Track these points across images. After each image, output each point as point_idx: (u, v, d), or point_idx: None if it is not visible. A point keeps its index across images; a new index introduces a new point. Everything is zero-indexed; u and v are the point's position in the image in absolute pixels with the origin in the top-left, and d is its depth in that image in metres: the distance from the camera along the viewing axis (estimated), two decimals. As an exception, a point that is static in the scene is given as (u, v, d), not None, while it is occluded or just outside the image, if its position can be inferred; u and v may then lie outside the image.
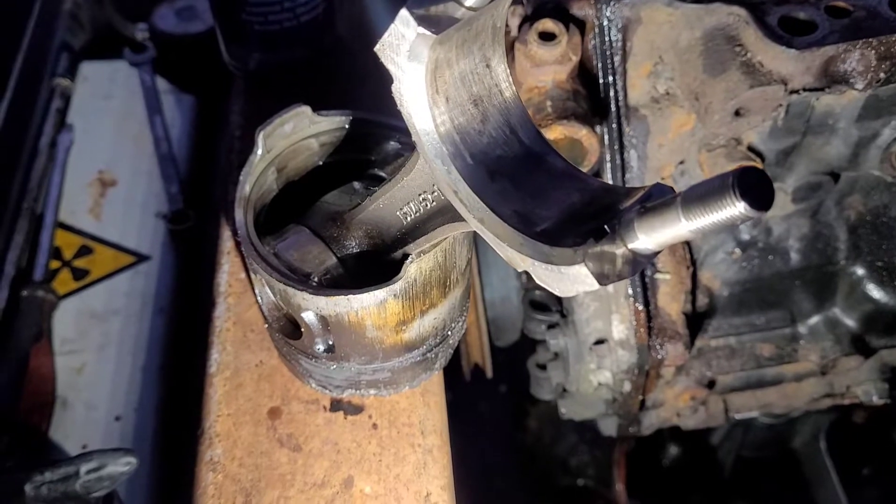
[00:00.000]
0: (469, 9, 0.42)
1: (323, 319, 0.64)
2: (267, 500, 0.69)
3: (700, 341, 1.01)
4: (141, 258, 1.15)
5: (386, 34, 0.43)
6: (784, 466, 1.97)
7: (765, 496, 1.99)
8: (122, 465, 0.74)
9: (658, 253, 0.42)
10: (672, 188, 0.43)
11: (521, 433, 1.94)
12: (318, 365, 0.70)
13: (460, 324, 0.73)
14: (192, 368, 1.07)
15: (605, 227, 0.42)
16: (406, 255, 0.61)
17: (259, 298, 0.70)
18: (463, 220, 0.52)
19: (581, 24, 0.81)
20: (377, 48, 0.44)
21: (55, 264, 1.14)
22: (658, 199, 0.41)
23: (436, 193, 0.56)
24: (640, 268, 0.42)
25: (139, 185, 1.23)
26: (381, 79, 1.03)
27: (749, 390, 1.08)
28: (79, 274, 1.13)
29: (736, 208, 0.37)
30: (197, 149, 1.30)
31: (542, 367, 1.12)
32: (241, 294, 0.82)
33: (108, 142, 1.29)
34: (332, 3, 0.99)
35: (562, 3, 0.82)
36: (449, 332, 0.72)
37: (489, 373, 1.29)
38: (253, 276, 0.69)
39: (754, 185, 0.36)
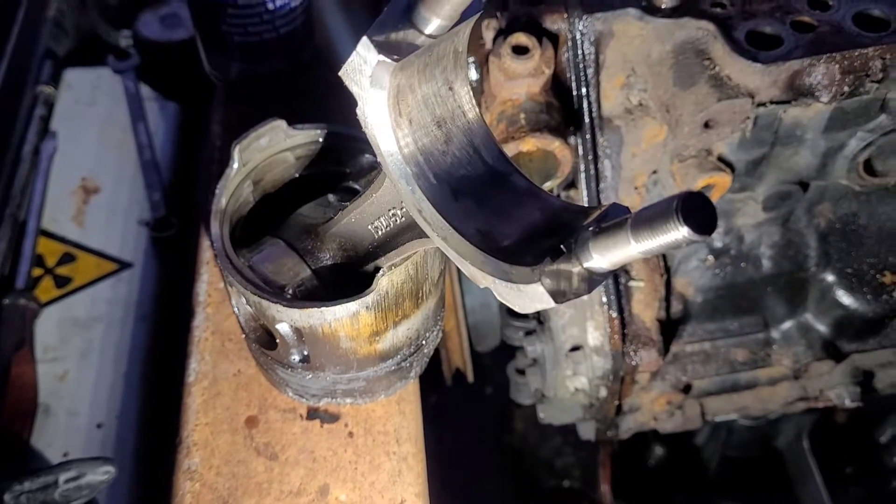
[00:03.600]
0: (429, 36, 0.44)
1: (297, 331, 0.66)
2: (244, 508, 0.70)
3: (675, 346, 1.02)
4: (123, 265, 1.16)
5: (349, 60, 0.44)
6: (768, 466, 2.00)
7: (749, 496, 2.01)
8: (101, 474, 0.75)
9: (612, 272, 0.44)
10: (627, 208, 0.45)
11: (507, 435, 1.96)
12: (293, 374, 0.72)
13: (435, 333, 0.75)
14: (173, 376, 1.09)
15: (562, 246, 0.43)
16: (378, 268, 0.63)
17: (236, 309, 0.71)
18: (426, 237, 0.53)
19: (554, 38, 0.83)
20: (341, 73, 0.45)
21: (38, 272, 1.14)
22: (612, 220, 0.43)
23: (404, 209, 0.58)
24: (596, 285, 0.43)
25: (122, 193, 1.24)
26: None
27: (724, 394, 1.10)
28: (61, 281, 1.14)
29: (679, 232, 0.38)
30: (180, 156, 1.31)
31: (521, 372, 1.13)
32: (219, 304, 0.83)
33: (92, 149, 1.29)
34: (311, 16, 1.01)
35: (535, 17, 0.83)
36: (423, 342, 0.73)
37: (470, 377, 1.31)
38: (229, 287, 0.70)
39: (697, 210, 0.38)
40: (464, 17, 0.43)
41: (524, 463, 2.02)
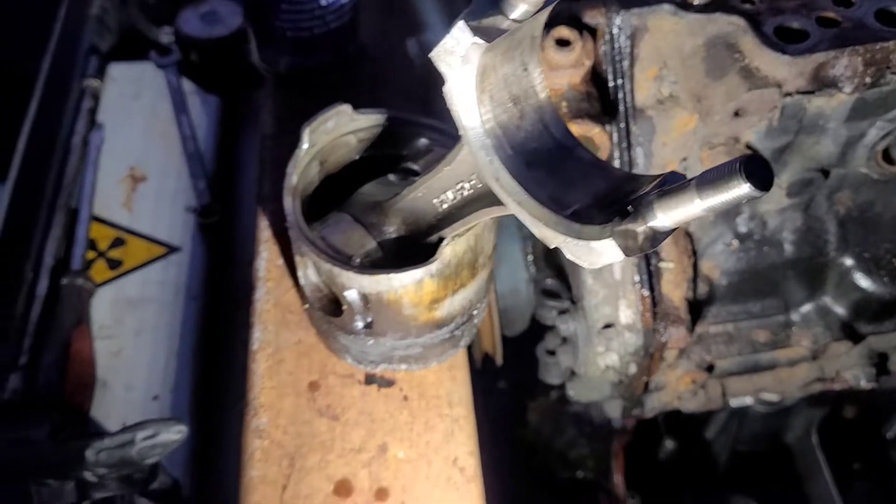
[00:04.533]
0: (514, 21, 0.49)
1: (364, 298, 0.71)
2: (310, 464, 0.76)
3: (700, 327, 1.08)
4: (172, 249, 1.22)
5: (442, 41, 0.50)
6: (778, 460, 2.05)
7: (759, 489, 2.06)
8: (175, 434, 0.80)
9: (673, 230, 0.49)
10: (684, 175, 0.50)
11: (521, 428, 2.00)
12: (355, 341, 0.77)
13: (483, 305, 0.80)
14: (223, 351, 1.15)
15: (629, 208, 0.49)
16: (440, 239, 0.68)
17: (303, 280, 0.77)
18: (497, 205, 0.59)
19: (593, 32, 0.88)
20: (433, 54, 0.51)
21: (91, 255, 1.20)
22: (673, 184, 0.48)
23: (472, 182, 0.63)
24: (658, 243, 0.49)
25: (168, 181, 1.30)
26: (402, 83, 1.11)
27: (745, 375, 1.15)
28: (113, 264, 1.20)
29: (742, 189, 0.44)
30: (222, 147, 1.37)
31: (551, 352, 1.19)
32: (279, 279, 0.89)
33: (138, 140, 1.35)
34: (358, 13, 1.06)
35: (576, 12, 0.89)
36: (474, 312, 0.79)
37: (500, 360, 1.36)
38: (298, 259, 0.76)
39: (757, 169, 0.44)
40: (546, 3, 0.49)
41: (538, 454, 2.06)
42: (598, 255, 0.50)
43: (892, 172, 0.97)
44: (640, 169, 0.97)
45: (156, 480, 0.87)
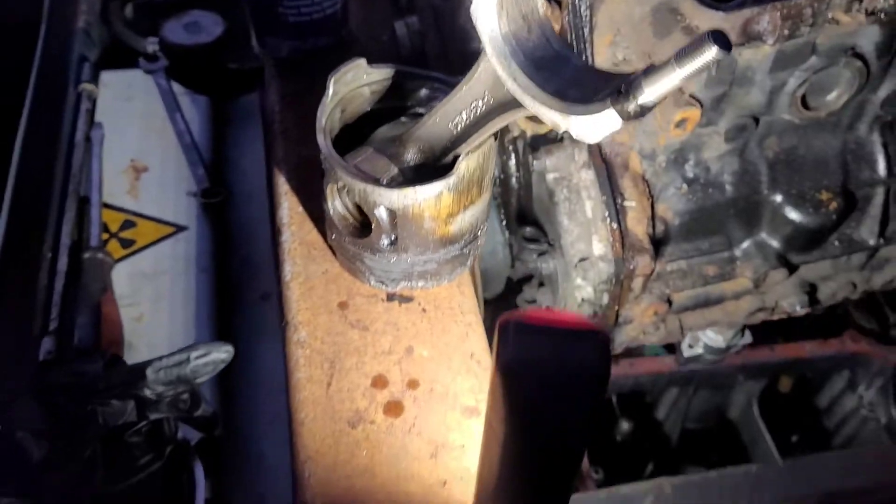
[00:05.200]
0: None
1: (391, 214, 0.84)
2: (348, 365, 0.88)
3: (659, 265, 1.24)
4: (180, 228, 1.33)
5: (472, -30, 0.65)
6: (724, 435, 2.23)
7: (710, 462, 2.23)
8: (223, 353, 0.92)
9: (655, 105, 0.64)
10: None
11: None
12: (379, 260, 0.90)
13: (484, 229, 0.95)
14: (233, 313, 1.26)
15: (620, 89, 0.64)
16: (455, 160, 0.82)
17: (330, 212, 0.90)
18: (508, 112, 0.73)
19: (559, 2, 1.05)
20: None
21: (104, 236, 1.30)
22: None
23: (486, 99, 0.78)
24: (646, 114, 0.64)
25: (168, 170, 1.42)
26: (391, 61, 1.24)
27: (699, 309, 1.32)
28: (126, 243, 1.30)
29: (711, 52, 0.59)
30: (214, 139, 1.49)
31: (531, 301, 1.34)
32: (301, 223, 1.02)
33: (135, 136, 1.47)
34: (347, 1, 1.21)
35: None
36: (479, 233, 0.93)
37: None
38: (328, 191, 0.89)
39: (720, 37, 0.59)
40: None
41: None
42: (602, 126, 0.65)
43: (809, 117, 1.15)
44: (602, 123, 1.13)
45: (198, 409, 0.98)
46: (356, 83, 0.93)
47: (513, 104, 0.74)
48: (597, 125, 0.65)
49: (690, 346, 1.68)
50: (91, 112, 1.47)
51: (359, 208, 0.89)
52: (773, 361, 2.01)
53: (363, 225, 0.89)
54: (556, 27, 1.03)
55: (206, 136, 1.48)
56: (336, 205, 0.89)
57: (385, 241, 0.88)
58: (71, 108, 1.46)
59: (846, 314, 2.10)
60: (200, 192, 1.36)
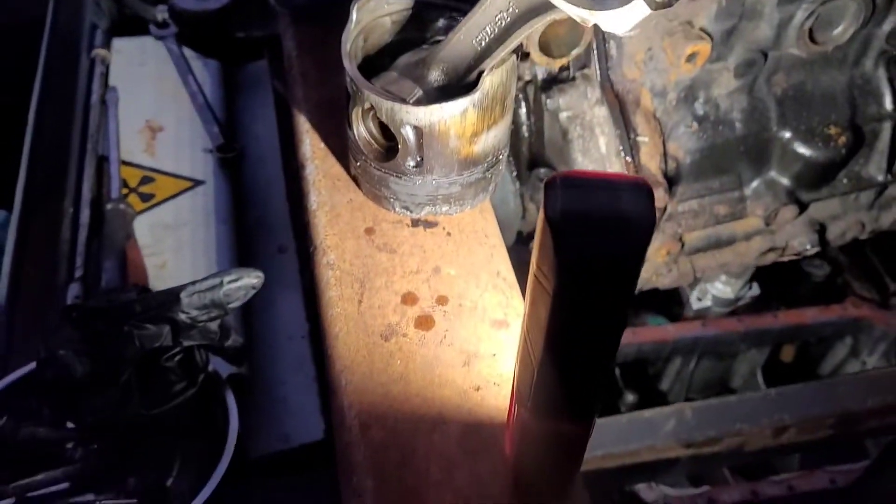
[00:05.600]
0: None
1: (418, 132, 0.86)
2: (377, 285, 0.90)
3: (671, 205, 1.26)
4: (197, 182, 1.35)
5: None
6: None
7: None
8: (254, 278, 0.93)
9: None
10: None
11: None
12: (405, 183, 0.92)
13: (506, 150, 0.96)
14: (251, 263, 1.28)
15: None
16: (478, 78, 0.84)
17: (355, 136, 0.92)
18: (533, 19, 0.76)
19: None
20: None
21: (123, 191, 1.32)
22: None
23: (510, 9, 0.80)
24: (673, 4, 0.66)
25: (184, 129, 1.43)
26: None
27: (710, 251, 1.34)
28: (145, 197, 1.32)
29: None
30: (227, 101, 1.51)
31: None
32: (323, 157, 1.04)
33: (150, 99, 1.48)
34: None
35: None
36: (500, 156, 0.95)
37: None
38: (354, 115, 0.90)
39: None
40: None
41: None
42: (631, 15, 0.67)
43: (817, 51, 1.18)
44: (614, 60, 1.16)
45: (228, 339, 1.00)
46: (378, 12, 0.95)
47: (538, 9, 0.76)
48: (625, 15, 0.67)
49: (699, 299, 1.71)
50: (105, 76, 1.49)
51: (384, 131, 0.91)
52: (775, 328, 2.03)
53: (388, 149, 0.91)
54: None
55: (219, 98, 1.50)
56: (361, 129, 0.91)
57: (411, 163, 0.90)
58: (85, 73, 1.48)
59: (846, 283, 2.12)
60: (216, 148, 1.38)
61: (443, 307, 0.89)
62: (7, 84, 1.70)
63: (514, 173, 1.38)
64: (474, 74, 0.86)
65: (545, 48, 1.08)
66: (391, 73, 0.91)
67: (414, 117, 0.85)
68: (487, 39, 0.84)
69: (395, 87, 0.89)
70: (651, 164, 1.17)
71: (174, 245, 1.26)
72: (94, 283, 1.15)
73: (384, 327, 0.87)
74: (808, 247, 1.33)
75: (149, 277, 1.19)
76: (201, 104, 1.46)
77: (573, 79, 1.18)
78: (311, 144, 1.06)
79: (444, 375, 0.83)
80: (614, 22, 0.68)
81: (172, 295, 0.91)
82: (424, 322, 0.87)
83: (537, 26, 0.79)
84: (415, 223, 0.97)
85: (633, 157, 1.15)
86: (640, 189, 0.53)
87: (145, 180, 1.34)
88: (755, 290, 1.70)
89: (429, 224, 0.97)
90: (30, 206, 1.30)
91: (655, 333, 2.01)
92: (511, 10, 0.80)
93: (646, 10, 0.66)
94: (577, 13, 0.70)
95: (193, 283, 0.92)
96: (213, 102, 1.49)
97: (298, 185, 1.03)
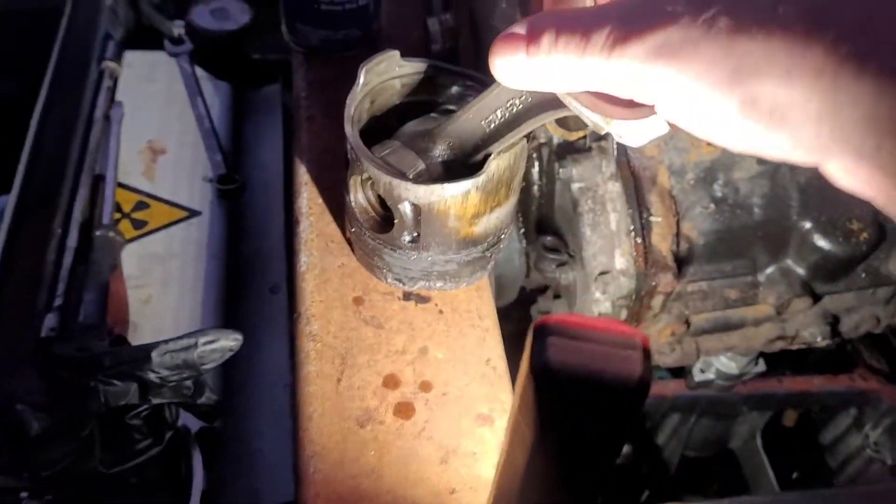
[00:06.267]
0: None
1: (416, 209, 0.82)
2: (360, 362, 0.86)
3: (680, 285, 1.21)
4: (193, 213, 1.31)
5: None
6: (724, 465, 2.19)
7: (708, 492, 2.19)
8: (232, 341, 0.89)
9: None
10: None
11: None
12: (399, 257, 0.87)
13: (509, 231, 0.92)
14: (241, 303, 1.23)
15: None
16: (485, 158, 0.80)
17: (352, 204, 0.87)
18: (545, 112, 0.71)
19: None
20: None
21: (116, 216, 1.28)
22: None
23: (523, 97, 0.75)
24: None
25: (186, 154, 1.39)
26: (420, 58, 1.21)
27: (717, 333, 1.29)
28: (138, 224, 1.28)
29: None
30: (235, 126, 1.47)
31: (545, 312, 1.31)
32: (319, 214, 0.99)
33: (155, 118, 1.44)
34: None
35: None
36: (502, 236, 0.91)
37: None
38: (351, 183, 0.86)
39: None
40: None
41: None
42: (647, 130, 0.62)
43: (846, 143, 1.13)
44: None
45: (202, 396, 0.95)
46: (387, 75, 0.90)
47: (552, 104, 0.71)
48: (642, 129, 0.62)
49: (702, 371, 1.65)
50: (112, 90, 1.45)
51: (382, 202, 0.87)
52: (779, 393, 1.98)
53: (385, 220, 0.87)
54: None
55: (226, 123, 1.46)
56: (359, 197, 0.87)
57: (406, 238, 0.85)
58: (92, 85, 1.44)
59: (856, 352, 2.07)
60: (216, 179, 1.34)
61: (425, 394, 0.84)
62: (18, 71, 1.66)
63: (522, 231, 1.33)
64: (481, 155, 0.82)
65: (562, 120, 1.03)
66: (394, 143, 0.86)
67: (413, 194, 0.81)
68: (497, 123, 0.79)
69: (395, 159, 0.84)
70: (662, 245, 1.12)
71: (161, 278, 1.21)
72: (73, 314, 1.10)
73: (361, 412, 0.82)
74: (819, 339, 1.28)
75: (130, 312, 1.15)
76: (207, 129, 1.42)
77: (589, 149, 1.13)
78: (309, 199, 1.01)
79: (419, 472, 0.78)
80: (630, 134, 0.63)
81: (143, 353, 0.86)
82: (404, 409, 0.83)
83: (551, 118, 0.74)
84: (406, 297, 0.92)
85: (643, 238, 1.10)
86: (637, 346, 0.48)
87: (140, 206, 1.30)
88: (761, 366, 1.64)
89: (421, 299, 0.92)
90: (20, 220, 1.26)
91: (656, 389, 1.96)
92: (525, 97, 0.75)
93: (664, 129, 0.62)
94: (592, 119, 0.65)
95: (167, 341, 0.87)
96: (220, 128, 1.44)
97: (291, 241, 0.99)
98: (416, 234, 0.85)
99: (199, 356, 0.88)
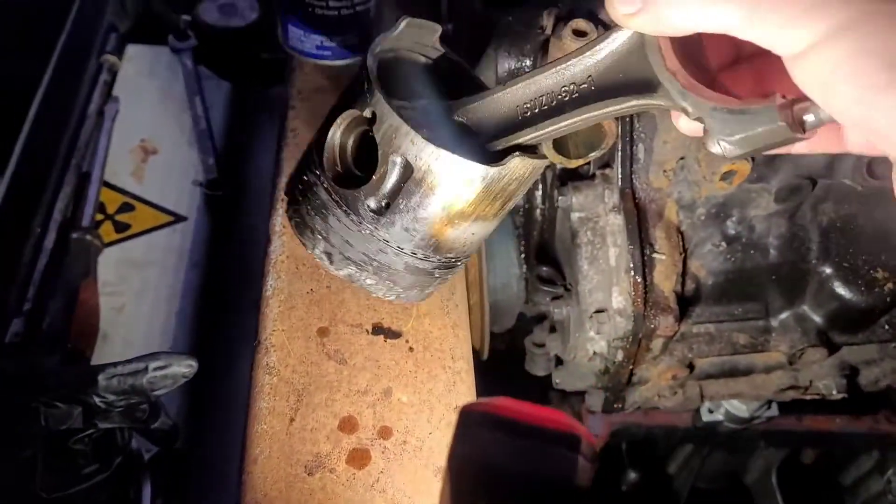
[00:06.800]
0: None
1: (405, 172, 0.68)
2: (317, 401, 0.79)
3: (684, 326, 1.13)
4: (178, 218, 1.25)
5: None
6: (737, 500, 2.09)
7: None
8: (185, 367, 0.83)
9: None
10: None
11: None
12: (348, 225, 0.72)
13: (463, 264, 0.80)
14: (220, 316, 1.17)
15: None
16: (503, 152, 0.68)
17: (327, 141, 0.73)
18: (607, 100, 0.62)
19: (607, 28, 0.94)
20: None
21: (99, 217, 1.23)
22: None
23: (585, 84, 0.64)
24: (816, 130, 0.51)
25: (178, 155, 1.34)
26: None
27: (723, 378, 1.20)
28: (120, 227, 1.23)
29: None
30: (231, 128, 1.41)
31: (539, 345, 1.23)
32: (293, 234, 0.92)
33: (151, 116, 1.39)
34: (381, 2, 1.12)
35: (592, 9, 0.96)
36: (458, 264, 0.78)
37: (485, 355, 1.40)
38: (341, 118, 0.72)
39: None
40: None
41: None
42: (757, 136, 0.51)
43: (875, 186, 1.03)
44: (640, 164, 1.03)
45: (157, 421, 0.89)
46: (420, 43, 0.77)
47: (626, 90, 0.61)
48: (740, 127, 0.52)
49: (710, 412, 1.56)
50: (109, 85, 1.40)
51: (360, 155, 0.74)
52: (798, 431, 1.88)
53: (349, 177, 0.73)
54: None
55: (225, 125, 1.41)
56: (337, 136, 0.73)
57: (372, 203, 0.71)
58: (89, 79, 1.40)
59: (883, 392, 1.96)
60: (206, 183, 1.28)
61: (383, 441, 0.77)
62: (25, 50, 1.61)
63: (522, 255, 1.26)
64: (500, 144, 0.71)
65: (560, 145, 0.95)
66: (404, 102, 0.75)
67: (416, 150, 0.67)
68: (536, 110, 0.68)
69: (405, 112, 0.73)
70: (665, 284, 1.03)
71: (138, 286, 1.16)
72: (40, 320, 1.05)
73: (312, 457, 0.75)
74: (835, 391, 1.19)
75: (101, 321, 1.10)
76: (203, 130, 1.37)
77: (592, 176, 1.06)
78: (284, 215, 0.94)
79: (366, 531, 0.71)
80: (724, 133, 0.53)
81: (89, 376, 0.81)
82: (359, 457, 0.76)
83: (597, 114, 0.64)
84: (376, 330, 0.85)
85: (643, 277, 1.01)
86: (577, 445, 0.41)
87: (125, 207, 1.25)
88: (773, 410, 1.55)
89: (392, 334, 0.85)
90: (2, 215, 1.21)
91: (668, 418, 1.87)
92: (586, 84, 0.64)
93: (778, 134, 0.51)
94: (684, 104, 0.56)
95: (115, 364, 0.82)
96: (218, 130, 1.39)
97: (260, 261, 0.92)
98: (384, 204, 0.71)
99: (148, 382, 0.82)
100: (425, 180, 0.68)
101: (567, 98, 0.66)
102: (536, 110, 0.68)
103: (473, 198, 0.69)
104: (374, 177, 0.69)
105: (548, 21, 0.97)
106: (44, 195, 1.22)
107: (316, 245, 0.76)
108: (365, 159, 0.72)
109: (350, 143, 0.74)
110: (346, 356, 0.83)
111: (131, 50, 1.49)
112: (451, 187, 0.68)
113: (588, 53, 0.64)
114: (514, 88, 0.68)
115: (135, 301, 1.14)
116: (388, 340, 0.85)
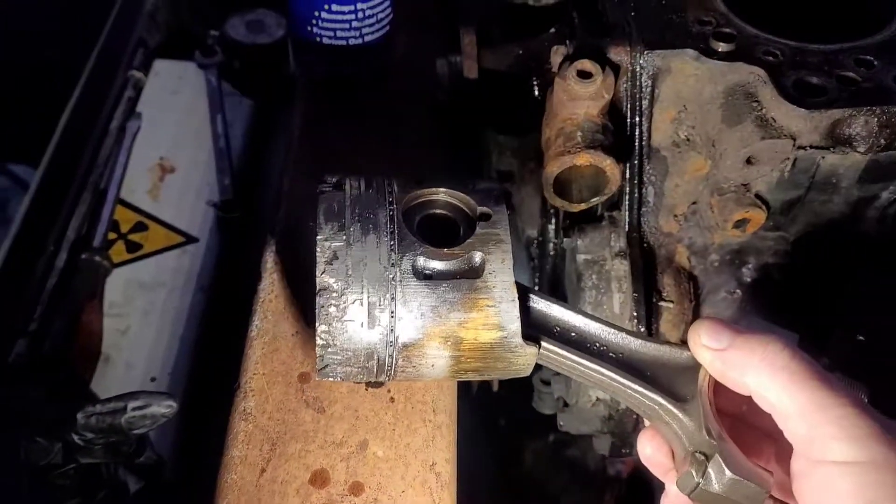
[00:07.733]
0: None
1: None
2: (290, 451, 0.77)
3: (696, 374, 1.08)
4: (190, 239, 1.25)
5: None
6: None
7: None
8: (165, 408, 0.82)
9: None
10: None
11: (516, 468, 1.99)
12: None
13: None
14: (225, 342, 1.17)
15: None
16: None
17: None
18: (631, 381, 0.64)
19: (616, 68, 0.91)
20: None
21: (112, 236, 1.24)
22: None
23: (622, 355, 0.67)
24: None
25: (195, 174, 1.34)
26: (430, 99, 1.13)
27: (738, 427, 1.15)
28: (132, 247, 1.23)
29: None
30: (251, 149, 1.41)
31: (546, 382, 1.20)
32: (287, 271, 0.91)
33: (171, 133, 1.40)
34: (395, 30, 1.10)
35: (600, 47, 0.92)
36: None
37: (496, 386, 1.37)
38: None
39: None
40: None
41: (529, 497, 2.04)
42: (737, 493, 0.56)
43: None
44: (650, 207, 0.98)
45: (142, 455, 0.89)
46: None
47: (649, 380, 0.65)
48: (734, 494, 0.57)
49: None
50: (134, 101, 1.42)
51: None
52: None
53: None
54: (607, 97, 0.89)
55: (244, 142, 1.40)
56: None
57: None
58: (114, 95, 1.41)
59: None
60: (219, 204, 1.28)
61: (354, 498, 0.75)
62: (64, 39, 1.64)
63: (537, 288, 1.22)
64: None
65: (562, 188, 0.92)
66: None
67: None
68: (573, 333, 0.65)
69: None
70: (672, 334, 0.99)
71: (143, 308, 1.16)
72: (43, 342, 1.06)
73: (279, 512, 0.74)
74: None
75: (105, 343, 1.10)
76: (221, 149, 1.37)
77: (600, 217, 1.02)
78: (276, 252, 0.93)
79: None
80: (715, 483, 0.57)
81: (68, 413, 0.80)
82: (327, 515, 0.74)
83: (626, 392, 0.64)
84: (358, 378, 0.83)
85: (648, 326, 0.97)
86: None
87: (139, 227, 1.26)
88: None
89: (373, 383, 0.83)
90: (24, 231, 1.23)
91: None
92: (625, 354, 0.67)
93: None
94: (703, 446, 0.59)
95: (94, 402, 0.81)
96: (236, 149, 1.39)
97: (249, 299, 0.91)
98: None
99: (126, 422, 0.81)
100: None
101: (597, 349, 0.65)
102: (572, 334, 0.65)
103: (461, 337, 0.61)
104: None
105: (554, 59, 0.93)
106: (61, 212, 1.23)
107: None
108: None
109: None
110: (324, 404, 0.81)
111: (158, 65, 1.50)
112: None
113: (643, 341, 0.68)
114: (576, 316, 0.67)
115: (139, 323, 1.15)
116: (370, 389, 0.82)
